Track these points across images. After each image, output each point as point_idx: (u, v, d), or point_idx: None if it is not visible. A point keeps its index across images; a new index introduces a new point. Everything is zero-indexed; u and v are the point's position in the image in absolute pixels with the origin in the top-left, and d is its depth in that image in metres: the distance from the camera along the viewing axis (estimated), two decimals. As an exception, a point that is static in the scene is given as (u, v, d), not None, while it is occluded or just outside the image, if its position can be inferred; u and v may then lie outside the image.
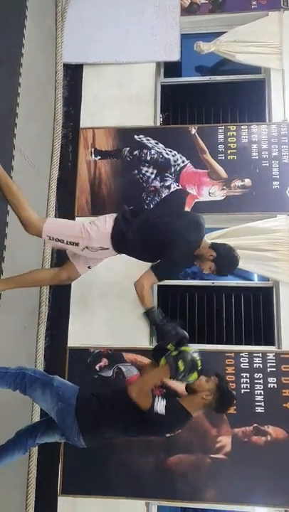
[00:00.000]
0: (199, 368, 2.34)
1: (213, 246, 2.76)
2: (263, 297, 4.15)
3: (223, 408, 2.57)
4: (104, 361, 3.97)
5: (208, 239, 4.04)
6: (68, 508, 3.69)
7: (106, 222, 2.77)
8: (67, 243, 2.78)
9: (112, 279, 4.10)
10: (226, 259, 2.75)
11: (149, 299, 2.63)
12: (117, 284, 4.11)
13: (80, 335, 4.06)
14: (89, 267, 3.04)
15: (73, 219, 4.24)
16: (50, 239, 2.81)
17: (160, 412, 2.37)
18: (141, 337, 4.00)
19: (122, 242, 2.77)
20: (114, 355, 3.96)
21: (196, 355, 2.36)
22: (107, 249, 2.78)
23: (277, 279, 3.99)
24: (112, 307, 4.09)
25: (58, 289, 4.10)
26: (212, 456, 3.67)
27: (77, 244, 2.77)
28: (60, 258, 3.93)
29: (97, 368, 3.95)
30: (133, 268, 4.06)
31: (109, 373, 3.94)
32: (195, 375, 2.33)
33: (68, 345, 4.02)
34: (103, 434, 2.51)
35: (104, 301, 4.11)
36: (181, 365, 2.30)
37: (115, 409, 2.48)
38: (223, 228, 4.11)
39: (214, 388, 2.46)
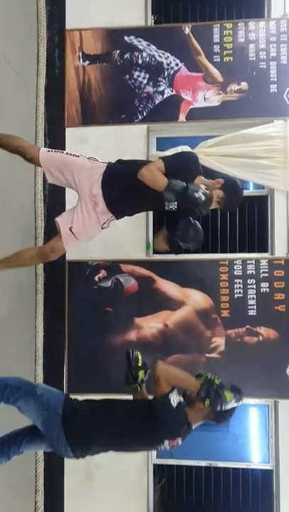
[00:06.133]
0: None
1: (218, 177, 2.75)
2: (257, 206, 4.17)
3: (222, 419, 2.34)
4: (102, 273, 4.08)
5: (204, 147, 4.00)
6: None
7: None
8: (67, 153, 2.77)
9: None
10: (234, 186, 2.72)
11: (162, 176, 2.57)
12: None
13: (78, 249, 4.11)
14: (71, 229, 2.77)
15: (63, 130, 4.14)
16: (49, 151, 2.78)
17: (172, 403, 2.23)
18: (137, 249, 4.08)
19: (115, 167, 2.75)
20: (112, 267, 4.06)
21: (229, 405, 2.25)
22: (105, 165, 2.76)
23: (273, 186, 3.98)
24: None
25: (52, 203, 4.09)
26: (207, 355, 3.91)
27: (77, 156, 2.74)
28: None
29: (96, 279, 4.06)
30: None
31: (108, 284, 4.07)
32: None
33: (67, 258, 4.10)
34: (92, 446, 2.31)
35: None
36: (207, 401, 2.24)
37: (107, 418, 2.31)
38: (218, 136, 4.02)
39: None
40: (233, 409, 2.30)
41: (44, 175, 2.94)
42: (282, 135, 3.92)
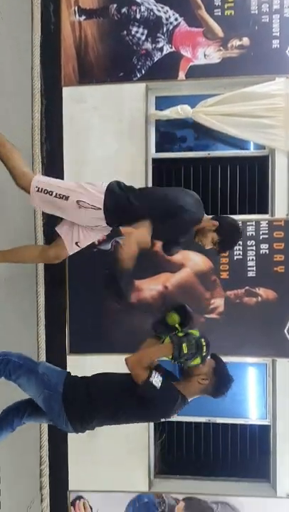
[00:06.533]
0: (204, 353, 2.22)
1: (215, 217, 2.70)
2: (258, 167, 4.12)
3: (219, 393, 2.34)
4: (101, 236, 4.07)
5: (204, 106, 3.91)
6: (77, 365, 4.07)
7: (102, 184, 2.70)
8: (56, 196, 2.61)
9: (105, 153, 4.02)
10: (229, 227, 2.67)
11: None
12: (109, 159, 4.03)
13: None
14: (77, 244, 2.85)
15: (60, 89, 4.04)
16: (38, 190, 2.60)
17: (155, 385, 2.19)
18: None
19: (115, 201, 2.64)
20: (112, 230, 4.04)
21: (203, 340, 2.23)
22: (99, 209, 2.63)
23: (274, 146, 3.91)
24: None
25: (51, 164, 4.04)
26: (206, 316, 3.96)
27: (66, 198, 2.60)
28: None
29: (95, 242, 4.05)
30: (126, 143, 4.02)
31: (108, 247, 4.07)
32: (198, 360, 2.22)
33: (66, 221, 4.09)
34: (92, 421, 2.36)
35: (97, 177, 4.04)
36: (185, 347, 2.19)
37: (105, 392, 2.34)
38: (218, 94, 3.92)
39: (210, 372, 2.30)
40: (230, 383, 2.32)
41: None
42: (284, 93, 3.82)
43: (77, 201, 2.61)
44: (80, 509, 4.17)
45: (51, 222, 3.89)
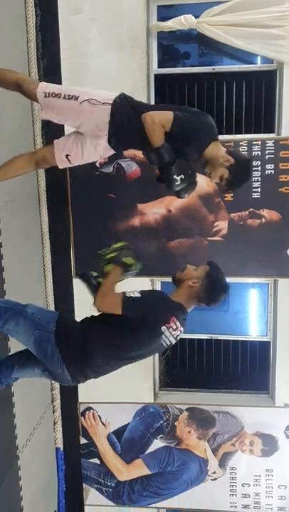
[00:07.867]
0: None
1: (232, 153, 2.52)
2: (265, 82, 3.94)
3: (210, 300, 2.25)
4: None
5: (208, 15, 3.66)
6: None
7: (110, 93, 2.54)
8: (65, 97, 2.50)
9: (104, 69, 3.82)
10: (243, 169, 2.52)
11: (161, 136, 2.40)
12: (109, 75, 3.82)
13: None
14: (67, 157, 2.63)
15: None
16: (46, 96, 2.51)
17: (134, 296, 2.15)
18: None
19: (123, 105, 2.51)
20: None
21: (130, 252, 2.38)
22: (109, 106, 2.50)
23: (282, 59, 3.71)
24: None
25: (48, 82, 3.86)
26: (209, 238, 3.99)
27: (76, 98, 2.49)
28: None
29: (97, 164, 3.99)
30: (126, 57, 3.81)
31: (110, 169, 4.01)
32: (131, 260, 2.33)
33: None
34: (89, 361, 2.21)
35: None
36: (127, 260, 2.31)
37: (99, 327, 2.22)
38: (225, 2, 3.65)
39: (202, 276, 2.22)
40: (223, 290, 2.27)
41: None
42: (295, 0, 3.56)
43: (88, 99, 2.51)
44: (90, 418, 4.48)
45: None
